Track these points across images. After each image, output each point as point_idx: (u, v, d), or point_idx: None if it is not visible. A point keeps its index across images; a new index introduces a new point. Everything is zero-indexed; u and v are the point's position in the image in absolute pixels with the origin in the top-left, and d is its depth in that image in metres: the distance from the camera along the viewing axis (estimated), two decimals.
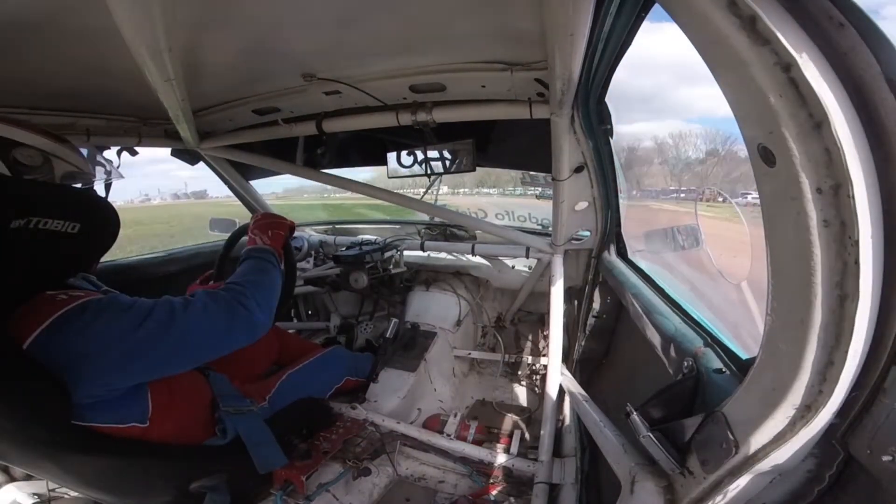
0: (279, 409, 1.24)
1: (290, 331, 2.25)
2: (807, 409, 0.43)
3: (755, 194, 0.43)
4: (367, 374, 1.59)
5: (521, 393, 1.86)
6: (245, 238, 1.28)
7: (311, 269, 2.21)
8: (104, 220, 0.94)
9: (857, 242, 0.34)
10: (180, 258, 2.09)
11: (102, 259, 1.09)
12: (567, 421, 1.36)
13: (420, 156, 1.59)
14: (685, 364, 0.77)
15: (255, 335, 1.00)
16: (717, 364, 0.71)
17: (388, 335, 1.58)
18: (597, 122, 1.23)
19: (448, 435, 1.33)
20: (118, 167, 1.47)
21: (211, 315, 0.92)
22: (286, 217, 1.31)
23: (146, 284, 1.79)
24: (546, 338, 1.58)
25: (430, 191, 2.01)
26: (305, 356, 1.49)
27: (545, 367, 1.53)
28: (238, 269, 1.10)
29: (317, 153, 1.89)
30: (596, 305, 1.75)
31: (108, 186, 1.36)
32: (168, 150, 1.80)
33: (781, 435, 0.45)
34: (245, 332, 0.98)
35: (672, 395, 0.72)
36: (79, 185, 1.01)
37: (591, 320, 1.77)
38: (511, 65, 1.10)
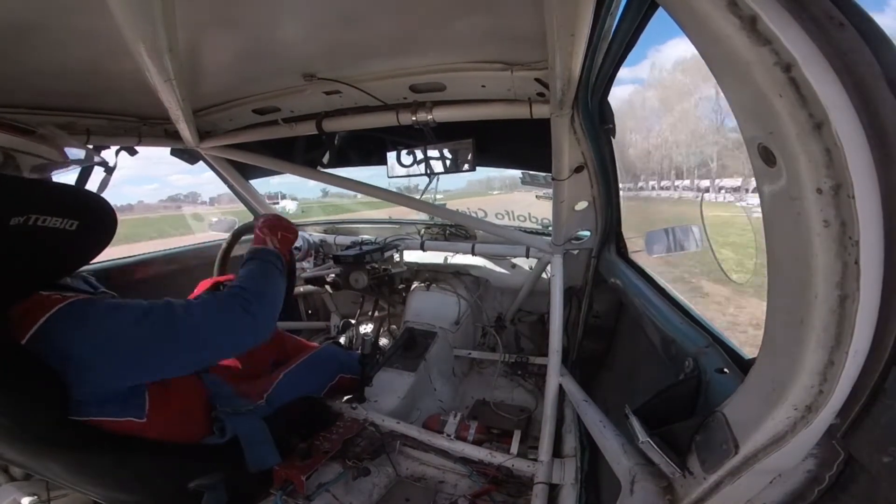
0: (278, 408, 1.24)
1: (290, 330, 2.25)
2: (807, 409, 0.42)
3: None
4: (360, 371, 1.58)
5: (520, 393, 1.86)
6: (249, 235, 1.27)
7: (311, 269, 2.21)
8: (101, 217, 0.94)
9: (857, 243, 0.34)
10: (180, 258, 2.09)
11: (102, 259, 1.09)
12: (567, 421, 1.35)
13: (420, 155, 1.59)
14: (686, 364, 0.77)
15: (257, 342, 1.01)
16: (719, 364, 0.71)
17: (365, 350, 1.55)
18: (598, 121, 1.23)
19: (448, 435, 1.33)
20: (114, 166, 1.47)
21: (213, 318, 0.92)
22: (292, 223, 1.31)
23: (146, 284, 1.79)
24: (546, 338, 1.57)
25: (427, 190, 2.01)
26: (299, 355, 1.50)
27: (545, 367, 1.53)
28: (243, 270, 1.09)
29: (317, 153, 1.89)
30: (596, 305, 1.76)
31: (104, 183, 1.36)
32: None
33: (781, 435, 0.45)
34: (247, 338, 0.98)
35: (673, 395, 0.72)
36: (74, 183, 1.01)
37: (591, 320, 1.78)
38: (511, 64, 1.10)
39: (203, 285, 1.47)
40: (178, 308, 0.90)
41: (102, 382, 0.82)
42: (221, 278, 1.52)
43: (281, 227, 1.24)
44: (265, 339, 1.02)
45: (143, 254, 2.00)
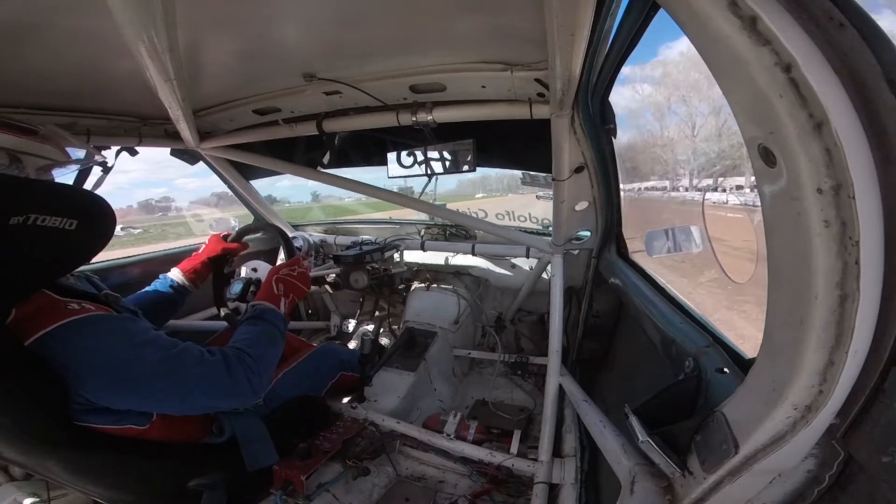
0: (276, 407, 1.24)
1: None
2: (807, 409, 0.43)
3: None
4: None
5: (520, 393, 1.86)
6: (251, 236, 1.25)
7: (311, 269, 2.21)
8: (101, 217, 0.94)
9: (857, 243, 0.34)
10: (180, 258, 2.09)
11: (102, 259, 1.09)
12: (567, 421, 1.35)
13: (420, 156, 1.59)
14: (686, 364, 0.77)
15: (240, 406, 1.04)
16: (719, 364, 0.71)
17: (365, 350, 1.56)
18: (599, 121, 1.23)
19: (448, 435, 1.33)
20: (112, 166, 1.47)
21: (218, 379, 0.92)
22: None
23: (146, 284, 1.79)
24: (546, 338, 1.57)
25: (426, 190, 2.02)
26: (298, 354, 1.50)
27: (545, 367, 1.53)
28: (251, 329, 1.07)
29: (317, 153, 1.89)
30: (596, 305, 1.76)
31: (100, 181, 1.36)
32: None
33: (781, 435, 0.45)
34: (239, 402, 0.99)
35: (673, 395, 0.72)
36: (73, 183, 1.00)
37: (591, 320, 1.78)
38: (511, 65, 1.10)
39: (213, 241, 1.54)
40: (190, 358, 0.90)
41: (96, 401, 0.83)
42: (231, 246, 1.55)
43: (294, 289, 1.24)
44: (249, 404, 1.04)
45: (143, 254, 2.00)
